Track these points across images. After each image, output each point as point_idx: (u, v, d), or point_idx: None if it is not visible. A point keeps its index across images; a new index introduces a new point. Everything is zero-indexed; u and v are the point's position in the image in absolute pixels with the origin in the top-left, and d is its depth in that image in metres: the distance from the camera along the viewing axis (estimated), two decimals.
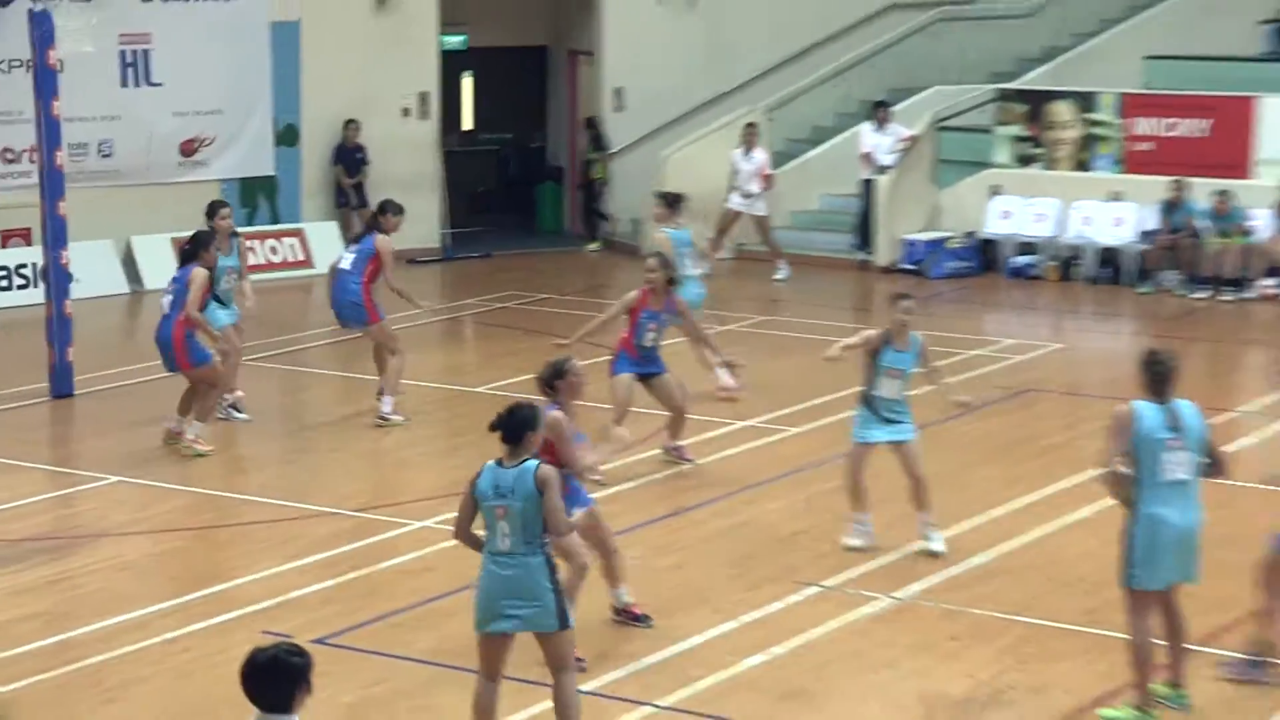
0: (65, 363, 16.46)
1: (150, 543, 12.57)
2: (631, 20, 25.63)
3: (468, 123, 27.51)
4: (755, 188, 22.88)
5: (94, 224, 21.01)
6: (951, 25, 26.27)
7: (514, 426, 8.57)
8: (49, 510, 13.49)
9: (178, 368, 14.67)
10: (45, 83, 16.23)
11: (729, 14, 26.12)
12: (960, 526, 12.71)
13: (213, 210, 16.06)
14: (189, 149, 22.83)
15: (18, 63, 20.42)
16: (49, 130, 16.28)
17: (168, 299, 14.71)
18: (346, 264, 15.67)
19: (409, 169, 24.50)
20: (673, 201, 16.29)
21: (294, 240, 23.54)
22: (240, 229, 22.63)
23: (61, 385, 16.43)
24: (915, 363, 12.28)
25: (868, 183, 23.53)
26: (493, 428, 8.63)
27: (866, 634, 10.75)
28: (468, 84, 27.30)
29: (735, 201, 22.99)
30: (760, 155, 23.04)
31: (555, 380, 10.04)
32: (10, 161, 21.31)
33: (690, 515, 13.07)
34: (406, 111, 24.64)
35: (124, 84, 22.12)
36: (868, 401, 12.30)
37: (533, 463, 8.55)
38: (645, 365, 14.03)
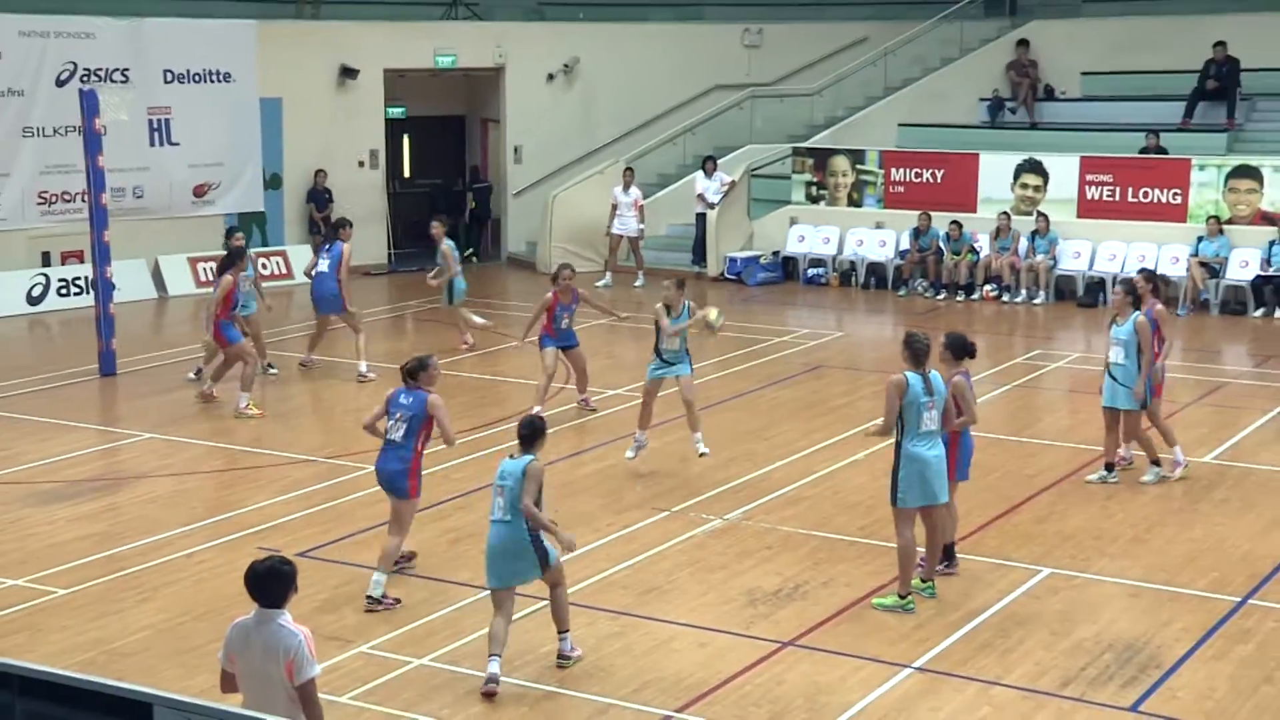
0: (110, 350, 16.15)
1: (175, 482, 12.35)
2: (526, 95, 25.50)
3: (406, 171, 27.20)
4: (633, 215, 22.94)
5: (130, 247, 20.58)
6: (760, 100, 26.39)
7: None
8: (98, 459, 13.21)
9: (217, 345, 14.72)
10: (92, 143, 15.95)
11: (598, 90, 26.06)
12: (770, 466, 12.80)
13: (229, 233, 15.93)
14: (200, 191, 22.41)
15: (72, 128, 19.92)
16: (95, 178, 15.99)
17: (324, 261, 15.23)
18: (324, 267, 15.82)
19: (363, 205, 24.18)
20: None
21: (279, 259, 23.20)
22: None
23: (107, 367, 16.10)
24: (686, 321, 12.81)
25: (701, 215, 23.57)
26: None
27: (703, 546, 10.79)
28: (406, 143, 27.00)
29: (616, 227, 22.97)
30: (635, 191, 23.10)
31: (419, 372, 9.67)
32: (68, 201, 20.83)
33: (578, 459, 13.04)
34: (361, 163, 24.32)
35: (151, 144, 21.66)
36: (657, 352, 12.80)
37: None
38: (563, 341, 14.32)
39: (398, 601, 9.54)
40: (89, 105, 15.89)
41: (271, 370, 16.16)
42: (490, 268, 25.26)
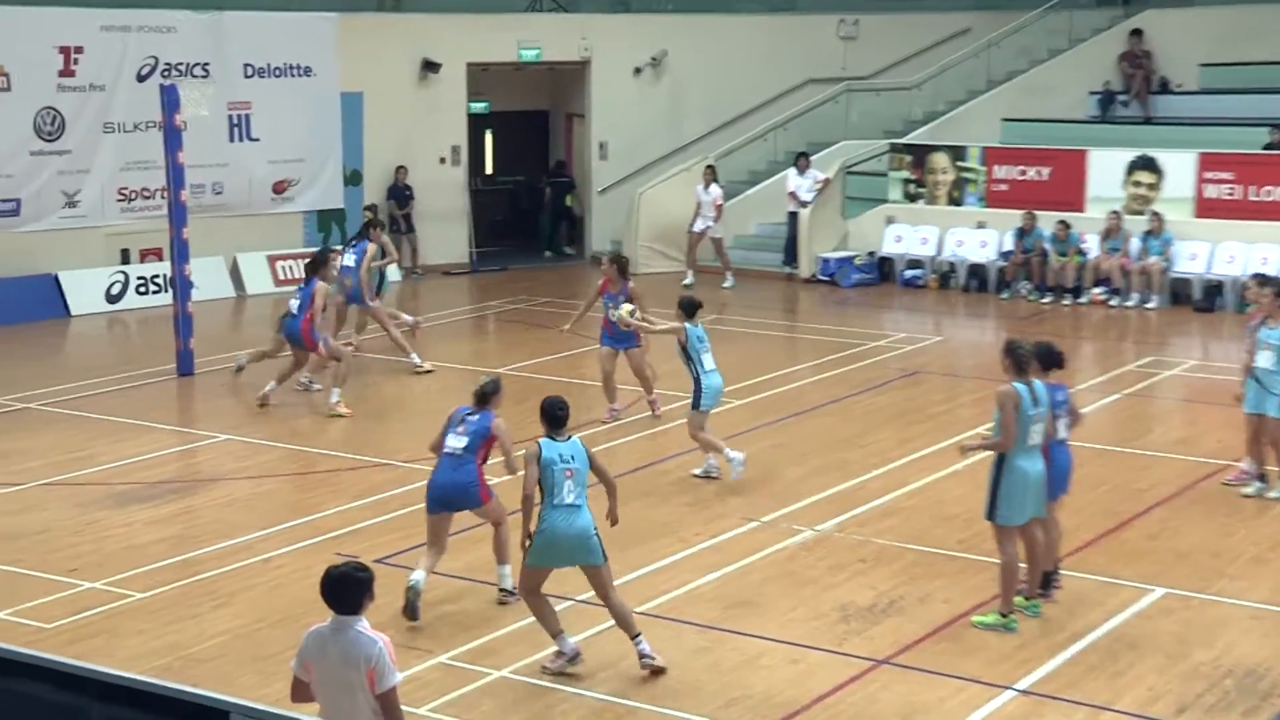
0: (188, 349, 16.39)
1: (252, 485, 12.51)
2: (612, 89, 25.54)
3: (489, 168, 27.37)
4: (713, 215, 22.88)
5: (208, 244, 20.88)
6: (856, 94, 26.22)
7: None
8: (176, 460, 13.42)
9: (307, 350, 14.93)
10: (172, 139, 16.18)
11: (687, 84, 26.03)
12: (865, 475, 12.70)
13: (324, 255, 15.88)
14: (280, 188, 22.72)
15: (152, 124, 20.26)
16: (175, 174, 16.22)
17: (294, 303, 14.85)
18: (349, 261, 16.38)
19: (444, 203, 24.40)
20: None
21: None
22: (317, 249, 22.77)
23: (185, 366, 16.35)
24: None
25: (792, 214, 23.46)
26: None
27: (794, 558, 10.72)
28: (489, 139, 27.17)
29: (698, 225, 22.93)
30: (716, 189, 23.02)
31: (492, 395, 9.75)
32: (147, 198, 21.20)
33: (659, 467, 13.02)
34: (443, 159, 24.51)
35: (231, 139, 22.00)
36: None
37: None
38: (619, 341, 14.03)
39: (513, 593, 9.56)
40: (169, 100, 16.14)
41: (315, 386, 15.67)
42: (573, 267, 25.33)
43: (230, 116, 21.94)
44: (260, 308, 21.44)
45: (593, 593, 8.93)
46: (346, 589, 6.04)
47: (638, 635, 8.72)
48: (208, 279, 21.02)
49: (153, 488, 12.36)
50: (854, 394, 15.71)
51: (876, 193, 23.89)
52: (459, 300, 22.15)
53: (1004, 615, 9.36)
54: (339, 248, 16.88)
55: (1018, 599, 9.49)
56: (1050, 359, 9.65)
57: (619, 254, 14.68)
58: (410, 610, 9.39)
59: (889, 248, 23.31)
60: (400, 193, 23.92)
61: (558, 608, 9.00)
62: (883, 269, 23.22)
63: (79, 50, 20.36)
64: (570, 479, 8.61)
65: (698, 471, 12.59)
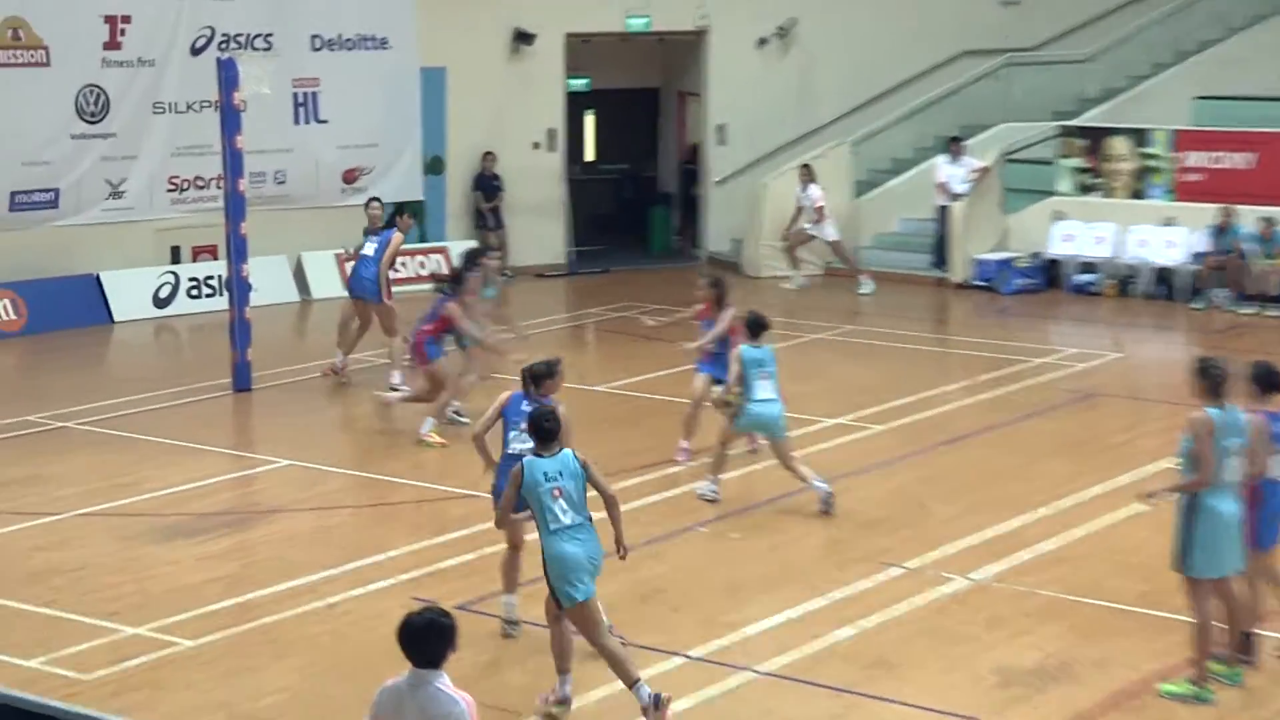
0: (245, 361, 16.61)
1: (316, 518, 12.63)
2: (733, 64, 25.54)
3: (589, 154, 27.50)
4: (814, 219, 22.80)
5: (270, 241, 21.14)
6: (1018, 69, 25.96)
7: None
8: (230, 489, 13.60)
9: (415, 366, 15.24)
10: (230, 120, 16.41)
11: (819, 57, 25.95)
12: (1029, 515, 12.53)
13: (475, 254, 16.17)
14: (351, 177, 22.98)
15: (207, 103, 20.61)
16: (233, 161, 16.45)
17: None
18: (369, 250, 16.72)
19: (538, 195, 24.56)
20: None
21: (439, 257, 23.60)
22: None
23: (241, 381, 16.57)
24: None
25: (943, 209, 23.29)
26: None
27: (946, 612, 10.59)
28: (589, 121, 27.30)
29: (808, 228, 22.91)
30: (815, 190, 22.92)
31: (546, 379, 9.82)
32: (201, 188, 21.52)
33: (785, 502, 12.94)
34: (537, 145, 24.67)
35: (296, 121, 22.27)
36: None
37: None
38: (718, 368, 13.61)
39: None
40: (227, 77, 16.37)
41: (460, 419, 15.21)
42: (686, 269, 25.30)
43: (295, 95, 22.22)
44: (327, 313, 21.67)
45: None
46: (427, 639, 6.05)
47: (637, 680, 8.68)
48: (268, 280, 21.28)
49: (204, 520, 12.53)
50: (1016, 419, 15.53)
51: (1042, 184, 23.63)
52: (553, 306, 22.25)
53: (1197, 684, 9.16)
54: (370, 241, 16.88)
55: (1214, 665, 9.28)
56: (1271, 381, 9.45)
57: (720, 278, 14.40)
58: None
59: (1057, 248, 23.02)
60: (487, 183, 24.11)
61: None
62: (1050, 273, 22.96)
63: (126, 20, 20.75)
64: (560, 498, 8.68)
65: (701, 491, 12.83)
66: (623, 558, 9.06)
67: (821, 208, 22.95)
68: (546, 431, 8.82)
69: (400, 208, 17.33)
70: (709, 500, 12.79)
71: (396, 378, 16.30)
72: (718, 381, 13.69)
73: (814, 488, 12.47)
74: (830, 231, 23.00)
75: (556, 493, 8.71)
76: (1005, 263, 22.92)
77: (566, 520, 8.72)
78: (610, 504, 8.96)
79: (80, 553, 11.78)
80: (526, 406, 9.68)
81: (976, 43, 26.38)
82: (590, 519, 8.87)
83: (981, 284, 22.86)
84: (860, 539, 12.01)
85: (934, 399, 16.39)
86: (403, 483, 13.58)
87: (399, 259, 18.52)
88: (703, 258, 25.71)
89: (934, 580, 11.12)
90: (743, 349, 12.57)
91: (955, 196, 23.17)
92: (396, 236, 16.82)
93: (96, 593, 10.95)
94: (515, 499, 8.87)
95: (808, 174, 23.13)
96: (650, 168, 27.75)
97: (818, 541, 11.97)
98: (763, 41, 25.70)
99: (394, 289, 17.28)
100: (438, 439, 14.63)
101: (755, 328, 12.62)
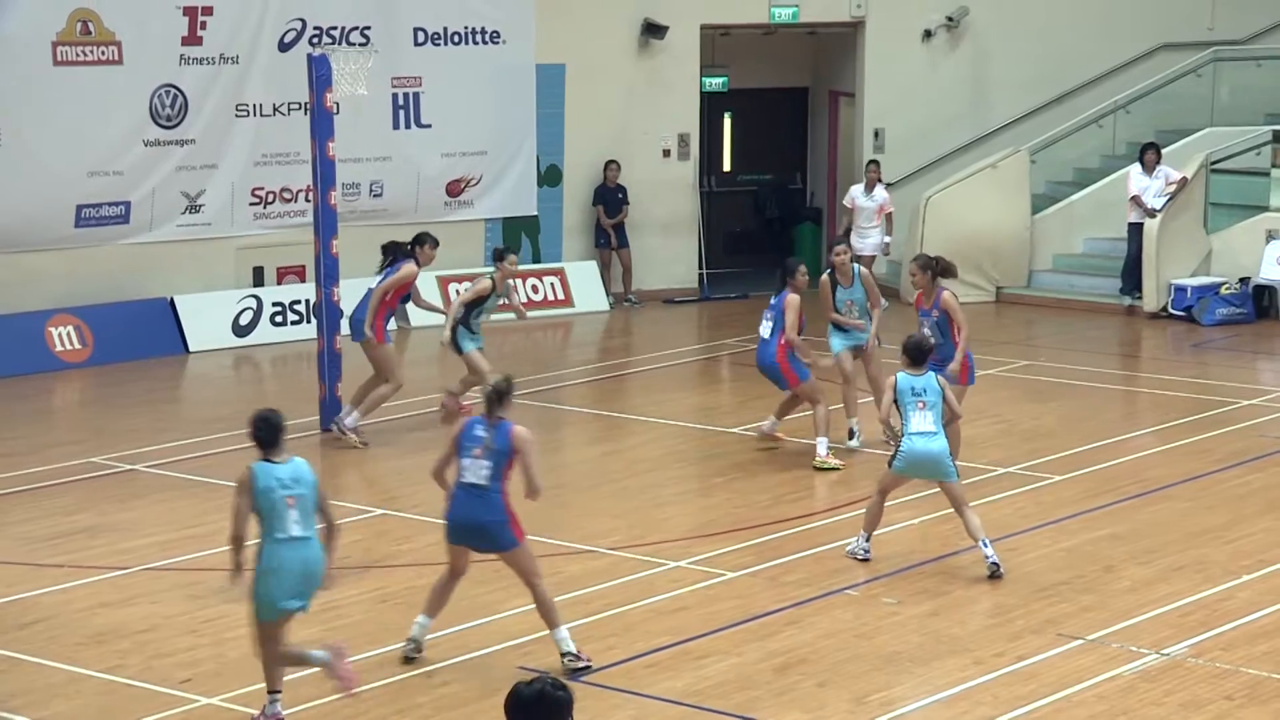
0: (334, 397, 16.77)
1: (412, 575, 12.76)
2: (893, 60, 25.53)
3: (727, 163, 27.59)
4: (875, 227, 22.82)
5: (363, 261, 21.36)
6: (1226, 65, 25.68)
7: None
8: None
9: (787, 387, 15.53)
10: (322, 125, 16.60)
11: (993, 53, 25.87)
12: (1233, 581, 12.36)
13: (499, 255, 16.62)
14: (455, 189, 23.25)
15: (296, 105, 21.04)
16: (324, 171, 16.64)
17: (766, 325, 15.45)
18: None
19: (668, 209, 24.70)
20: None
21: (554, 279, 23.82)
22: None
23: (331, 418, 16.74)
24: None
25: (1136, 227, 23.09)
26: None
27: (1133, 691, 10.47)
28: (727, 125, 27.40)
29: (854, 243, 21.58)
30: (882, 193, 22.95)
31: (506, 396, 10.54)
32: (287, 201, 21.91)
33: (948, 562, 12.88)
34: (667, 152, 24.82)
35: (395, 126, 22.63)
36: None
37: None
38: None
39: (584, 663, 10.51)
40: (319, 75, 16.57)
41: (851, 443, 15.98)
42: None
43: (395, 96, 22.58)
44: (430, 344, 21.93)
45: None
46: (540, 712, 6.09)
47: (277, 692, 9.68)
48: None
49: None
50: (1218, 470, 15.34)
51: (1253, 198, 23.38)
52: (683, 337, 22.32)
53: None
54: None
55: None
56: None
57: (932, 257, 14.94)
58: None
59: (1270, 273, 22.73)
60: (611, 196, 24.27)
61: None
62: (1260, 301, 22.71)
63: (207, 11, 21.19)
64: (293, 507, 9.55)
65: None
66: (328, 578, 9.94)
67: (890, 214, 23.20)
68: (273, 437, 9.81)
69: (424, 235, 16.84)
70: (860, 559, 12.78)
71: (350, 419, 16.33)
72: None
73: (981, 549, 12.42)
74: (872, 246, 23.06)
75: (290, 501, 9.61)
76: (1208, 289, 22.67)
77: (295, 531, 9.61)
78: (331, 533, 9.94)
79: (149, 611, 11.99)
80: (481, 431, 10.50)
81: (1177, 35, 26.17)
82: (317, 534, 9.77)
83: (1179, 313, 22.64)
84: (1034, 606, 11.91)
85: (1122, 445, 16.23)
86: None
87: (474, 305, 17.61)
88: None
89: (1119, 655, 11.00)
90: (899, 376, 12.64)
91: (1150, 212, 22.97)
92: (408, 269, 16.44)
93: (167, 657, 11.13)
94: (247, 506, 9.67)
95: (876, 171, 23.47)
96: (797, 179, 27.78)
97: (984, 608, 11.90)
98: (928, 34, 25.68)
99: (502, 315, 17.18)
100: (836, 461, 15.33)
101: (915, 353, 12.65)
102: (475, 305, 16.43)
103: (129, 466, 15.81)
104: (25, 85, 20.06)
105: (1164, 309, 22.82)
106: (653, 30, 24.24)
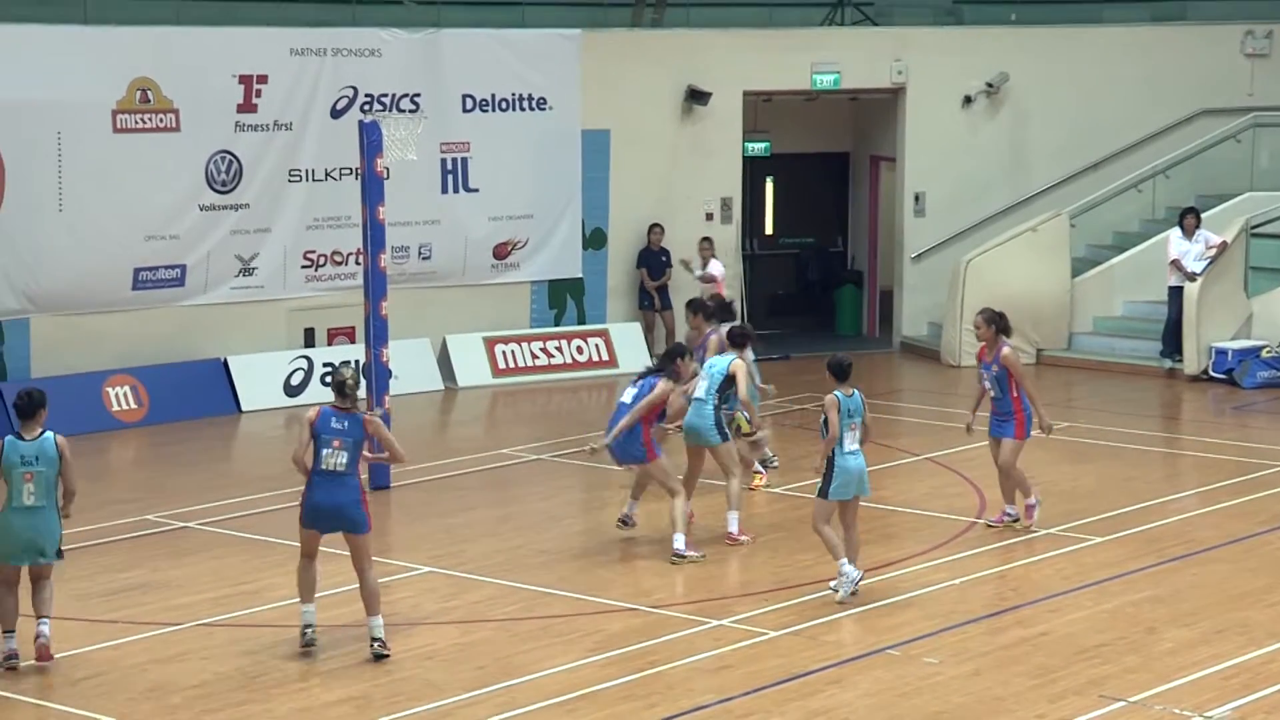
0: None
1: (458, 632, 12.75)
2: (933, 125, 25.53)
3: (769, 227, 27.63)
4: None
5: (412, 323, 21.59)
6: (1266, 130, 25.58)
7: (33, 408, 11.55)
8: (360, 599, 13.74)
9: (645, 459, 14.68)
10: (372, 189, 16.75)
11: (1032, 118, 25.84)
12: (1277, 644, 12.23)
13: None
14: (502, 252, 23.34)
15: (347, 171, 21.19)
16: (374, 234, 16.78)
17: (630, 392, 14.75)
18: None
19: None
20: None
21: (599, 340, 23.85)
22: (547, 329, 23.29)
23: (379, 478, 16.78)
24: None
25: (1175, 290, 22.98)
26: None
27: None
28: (770, 189, 27.45)
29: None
30: (716, 267, 22.66)
31: (350, 390, 12.00)
32: (338, 264, 22.04)
33: (990, 623, 12.80)
34: (710, 215, 24.85)
35: (443, 190, 22.74)
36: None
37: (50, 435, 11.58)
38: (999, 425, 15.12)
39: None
40: (370, 141, 16.74)
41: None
42: (879, 355, 25.26)
43: (444, 161, 22.71)
44: (476, 404, 21.99)
45: None
46: None
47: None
48: (410, 367, 21.67)
49: (335, 632, 12.70)
50: (1260, 533, 15.22)
51: None
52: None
53: None
54: None
55: None
56: None
57: (997, 311, 15.18)
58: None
59: None
60: (654, 258, 24.31)
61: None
62: None
63: (262, 80, 21.40)
64: (30, 481, 11.31)
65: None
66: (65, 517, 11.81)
67: (721, 283, 22.23)
68: (27, 411, 11.46)
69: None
70: (852, 592, 12.98)
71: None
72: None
73: (842, 570, 12.99)
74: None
75: (28, 476, 11.33)
76: (1249, 352, 22.54)
77: (29, 501, 11.40)
78: (68, 496, 11.70)
79: (201, 667, 12.00)
80: (336, 423, 11.80)
81: (1217, 99, 26.09)
82: (53, 504, 11.54)
83: (1220, 376, 22.49)
84: (1076, 667, 11.81)
85: (1164, 507, 16.13)
86: (554, 593, 13.66)
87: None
88: (898, 344, 25.62)
89: (1162, 718, 10.90)
90: (839, 396, 13.13)
91: (1190, 276, 22.86)
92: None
93: (217, 712, 11.14)
94: None
95: (709, 248, 23.13)
96: (838, 242, 27.79)
97: (1027, 669, 11.80)
98: (968, 100, 25.68)
99: (534, 378, 17.06)
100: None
101: (838, 370, 13.28)
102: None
103: (182, 524, 15.86)
104: (86, 152, 20.25)
105: (1205, 372, 22.68)
106: (696, 96, 24.32)
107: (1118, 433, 19.50)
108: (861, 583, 13.23)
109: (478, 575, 14.18)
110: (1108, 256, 24.90)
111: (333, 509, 11.90)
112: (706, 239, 23.54)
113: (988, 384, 14.94)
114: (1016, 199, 25.71)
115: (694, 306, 16.96)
